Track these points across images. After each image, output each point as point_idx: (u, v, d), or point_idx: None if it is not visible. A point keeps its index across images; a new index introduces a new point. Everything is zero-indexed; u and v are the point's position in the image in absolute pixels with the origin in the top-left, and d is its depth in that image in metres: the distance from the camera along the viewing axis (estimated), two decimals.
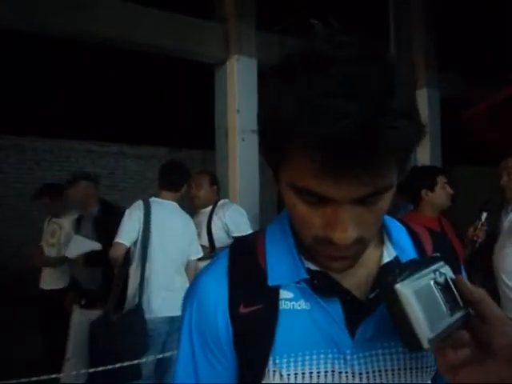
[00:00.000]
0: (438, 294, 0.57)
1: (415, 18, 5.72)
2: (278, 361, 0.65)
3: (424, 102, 5.57)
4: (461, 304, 0.58)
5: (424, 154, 5.52)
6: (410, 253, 0.72)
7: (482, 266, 2.88)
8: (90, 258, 3.31)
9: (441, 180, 2.61)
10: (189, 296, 0.73)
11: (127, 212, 3.00)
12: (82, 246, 3.36)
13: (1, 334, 4.46)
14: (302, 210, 0.59)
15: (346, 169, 0.52)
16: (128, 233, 2.93)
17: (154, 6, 4.12)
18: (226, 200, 3.70)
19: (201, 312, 0.69)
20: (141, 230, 2.93)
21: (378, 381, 0.65)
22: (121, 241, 2.91)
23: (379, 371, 0.66)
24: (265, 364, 0.65)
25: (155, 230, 2.95)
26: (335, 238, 0.57)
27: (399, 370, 0.66)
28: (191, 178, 3.38)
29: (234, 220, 3.41)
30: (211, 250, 3.40)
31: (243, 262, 0.71)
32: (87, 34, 3.88)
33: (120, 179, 8.98)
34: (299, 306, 0.67)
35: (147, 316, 2.79)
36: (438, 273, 0.59)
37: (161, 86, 8.12)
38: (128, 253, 2.95)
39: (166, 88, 8.17)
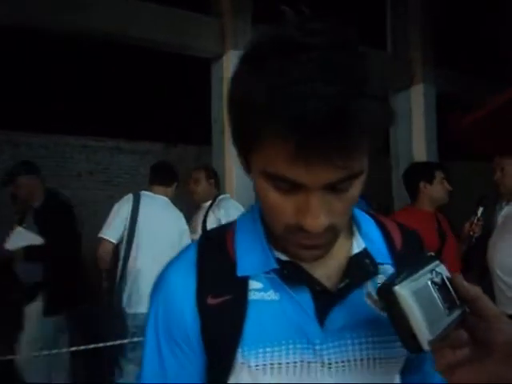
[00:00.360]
0: (436, 294, 0.57)
1: (412, 13, 5.71)
2: (246, 352, 0.65)
3: (420, 98, 5.58)
4: (458, 302, 0.58)
5: (420, 150, 5.53)
6: (378, 244, 0.73)
7: (478, 261, 2.89)
8: (29, 251, 3.23)
9: (439, 175, 2.63)
10: (155, 289, 0.72)
11: (116, 207, 2.99)
12: (22, 238, 3.29)
13: None
14: (274, 198, 0.59)
15: (320, 152, 0.52)
16: (114, 229, 2.91)
17: (151, 1, 4.10)
18: (227, 195, 3.68)
19: (167, 305, 0.69)
20: (127, 224, 2.91)
21: (347, 371, 0.65)
22: (106, 237, 2.89)
23: (348, 361, 0.66)
24: (233, 356, 0.65)
25: (144, 223, 2.93)
26: (306, 225, 0.57)
27: (368, 359, 0.66)
28: (189, 174, 3.38)
29: (228, 215, 3.38)
30: None
31: (212, 252, 0.71)
32: (84, 28, 3.85)
33: (115, 174, 8.94)
34: (268, 296, 0.67)
35: (137, 311, 2.78)
36: (434, 272, 0.59)
37: (156, 80, 8.09)
38: (116, 249, 2.94)
39: (161, 83, 8.14)
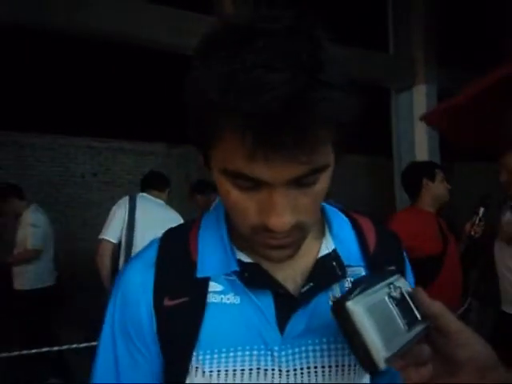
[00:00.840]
0: (394, 310, 0.54)
1: (414, 13, 5.71)
2: (201, 357, 0.62)
3: (422, 98, 5.58)
4: (419, 317, 0.55)
5: (422, 150, 5.53)
6: (350, 245, 0.69)
7: (478, 262, 2.90)
8: None
9: (439, 174, 2.63)
10: (115, 286, 0.69)
11: (113, 209, 3.00)
12: None
13: None
14: (236, 197, 0.55)
15: (278, 146, 0.48)
16: (113, 230, 2.93)
17: (153, 1, 4.11)
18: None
19: (124, 303, 0.66)
20: (125, 226, 2.92)
21: (305, 378, 0.62)
22: (106, 237, 2.91)
23: (308, 368, 0.63)
24: (188, 360, 0.62)
25: (142, 225, 2.93)
26: (271, 224, 0.53)
27: (330, 367, 0.63)
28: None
29: None
30: None
31: (173, 251, 0.67)
32: (86, 29, 3.87)
33: (118, 175, 8.97)
34: (228, 299, 0.64)
35: None
36: (392, 286, 0.56)
37: (159, 81, 8.10)
38: (116, 251, 2.94)
39: (164, 84, 8.15)
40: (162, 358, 0.64)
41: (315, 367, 0.63)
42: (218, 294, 0.64)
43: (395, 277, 0.58)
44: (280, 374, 0.62)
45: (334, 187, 0.67)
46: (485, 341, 0.56)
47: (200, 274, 0.64)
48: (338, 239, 0.69)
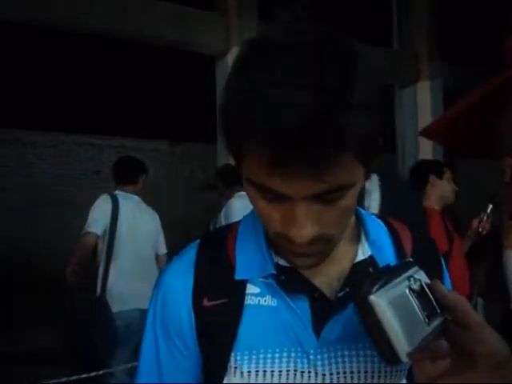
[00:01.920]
0: (414, 302, 0.53)
1: (418, 9, 5.67)
2: (238, 357, 0.63)
3: (426, 94, 5.55)
4: (438, 310, 0.55)
5: (426, 147, 5.50)
6: (387, 252, 0.70)
7: (485, 259, 2.87)
8: None
9: (447, 173, 2.60)
10: (156, 286, 0.71)
11: (95, 205, 2.98)
12: None
13: None
14: (262, 206, 0.57)
15: (295, 166, 0.49)
16: (97, 222, 2.90)
17: None
18: (242, 192, 3.61)
19: (165, 303, 0.68)
20: (108, 223, 2.89)
21: (342, 381, 0.63)
22: (90, 229, 2.88)
23: (344, 373, 0.63)
24: (226, 360, 0.63)
25: (123, 223, 2.91)
26: (292, 235, 0.55)
27: (366, 372, 0.64)
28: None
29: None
30: None
31: (212, 254, 0.69)
32: (87, 26, 3.86)
33: None
34: (265, 301, 0.65)
35: (119, 309, 2.77)
36: (412, 279, 0.55)
37: (161, 78, 8.09)
38: (97, 245, 2.92)
39: (166, 81, 8.14)
40: (202, 358, 0.66)
41: (351, 372, 0.63)
42: (256, 296, 0.65)
43: (414, 269, 0.58)
44: (316, 377, 0.63)
45: None
46: (501, 337, 0.54)
47: (238, 277, 0.66)
48: (375, 245, 0.69)
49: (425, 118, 5.57)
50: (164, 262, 3.03)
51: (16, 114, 7.56)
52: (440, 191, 2.57)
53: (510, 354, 0.54)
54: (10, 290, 5.65)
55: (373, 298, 0.50)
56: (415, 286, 0.55)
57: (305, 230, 0.54)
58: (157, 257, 3.11)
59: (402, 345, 0.50)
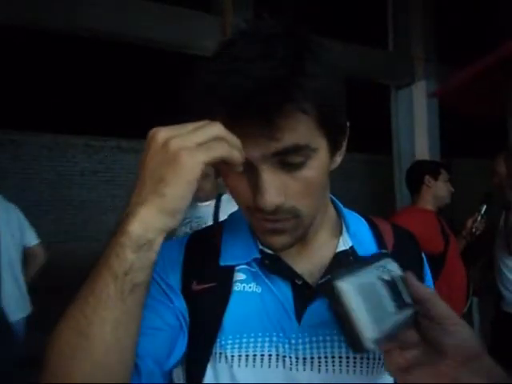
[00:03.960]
0: (383, 291, 0.54)
1: (414, 10, 5.69)
2: (223, 342, 0.65)
3: (422, 95, 5.56)
4: (408, 302, 0.55)
5: (422, 147, 5.52)
6: (368, 244, 0.72)
7: (478, 259, 2.89)
8: None
9: (444, 174, 2.61)
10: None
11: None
12: None
13: None
14: (232, 181, 0.60)
15: (250, 124, 0.54)
16: None
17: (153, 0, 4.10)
18: (230, 196, 3.53)
19: (162, 259, 0.67)
20: None
21: (323, 367, 0.65)
22: None
23: (325, 357, 0.65)
24: (211, 345, 0.65)
25: None
26: (260, 202, 0.57)
27: (347, 358, 0.65)
28: None
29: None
30: None
31: (201, 243, 0.72)
32: (84, 28, 3.85)
33: (117, 173, 8.96)
34: (250, 288, 0.67)
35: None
36: (383, 269, 0.56)
37: (157, 79, 8.09)
38: None
39: (162, 82, 8.14)
40: (187, 346, 0.66)
41: (332, 357, 0.65)
42: (241, 282, 0.68)
43: (387, 260, 0.59)
44: (297, 362, 0.65)
45: (332, 185, 0.69)
46: (471, 329, 0.55)
47: (223, 262, 0.69)
48: (356, 238, 0.72)
49: (421, 120, 5.59)
50: (40, 253, 2.92)
51: (11, 115, 7.54)
52: (435, 192, 2.57)
53: (481, 346, 0.54)
54: None
55: (340, 283, 0.51)
56: (386, 276, 0.55)
57: (269, 196, 0.57)
58: (28, 249, 2.92)
59: (367, 331, 0.50)
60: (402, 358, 0.54)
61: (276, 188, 0.57)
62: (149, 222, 0.52)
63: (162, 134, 0.54)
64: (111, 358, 0.53)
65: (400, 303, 0.54)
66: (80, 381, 0.52)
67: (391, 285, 0.55)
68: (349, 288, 0.51)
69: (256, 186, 0.58)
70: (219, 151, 0.53)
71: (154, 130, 0.55)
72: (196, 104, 0.60)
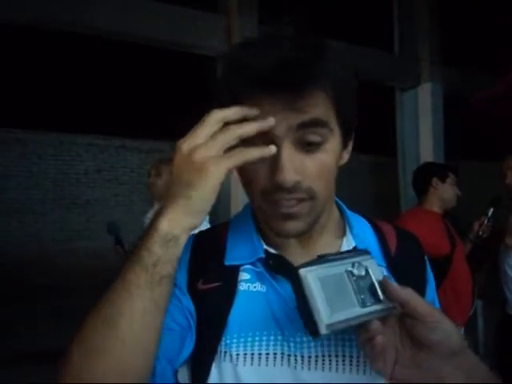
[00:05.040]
0: (350, 284, 0.57)
1: (419, 12, 5.68)
2: (228, 341, 0.66)
3: (427, 97, 5.55)
4: (381, 298, 0.58)
5: (427, 149, 5.51)
6: (371, 245, 0.73)
7: (484, 262, 2.87)
8: None
9: (452, 177, 2.60)
10: None
11: None
12: None
13: None
14: (250, 165, 0.62)
15: (278, 94, 0.59)
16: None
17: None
18: None
19: None
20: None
21: (326, 365, 0.66)
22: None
23: (329, 356, 0.66)
24: (217, 344, 0.66)
25: None
26: (279, 178, 0.60)
27: (351, 357, 0.66)
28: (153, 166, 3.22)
29: None
30: None
31: (207, 242, 0.74)
32: (89, 27, 3.86)
33: (121, 173, 8.98)
34: (254, 287, 0.69)
35: None
36: (357, 264, 0.59)
37: (162, 79, 8.10)
38: None
39: (167, 81, 8.15)
40: (195, 344, 0.67)
41: (336, 355, 0.66)
42: (246, 282, 0.69)
43: (365, 257, 0.61)
44: (302, 360, 0.65)
45: (336, 186, 0.71)
46: (454, 325, 0.57)
47: (228, 262, 0.70)
48: (359, 238, 0.74)
49: (425, 122, 5.57)
50: None
51: (16, 114, 7.56)
52: (442, 194, 2.56)
53: (464, 341, 0.56)
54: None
55: (302, 271, 0.55)
56: (357, 271, 0.58)
57: (288, 172, 0.60)
58: None
59: (322, 317, 0.54)
60: (371, 346, 0.56)
61: (294, 168, 0.61)
62: (175, 221, 0.57)
63: (185, 146, 0.59)
64: (138, 348, 0.56)
65: (369, 297, 0.58)
66: (108, 373, 0.54)
67: (363, 280, 0.58)
68: (310, 276, 0.55)
69: (275, 165, 0.61)
70: (240, 158, 0.58)
71: (178, 143, 0.60)
72: (229, 83, 0.64)
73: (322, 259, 0.58)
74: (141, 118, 8.33)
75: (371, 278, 0.59)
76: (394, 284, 0.59)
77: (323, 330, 0.54)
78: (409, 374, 0.56)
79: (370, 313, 0.57)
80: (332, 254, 0.61)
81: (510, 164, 2.54)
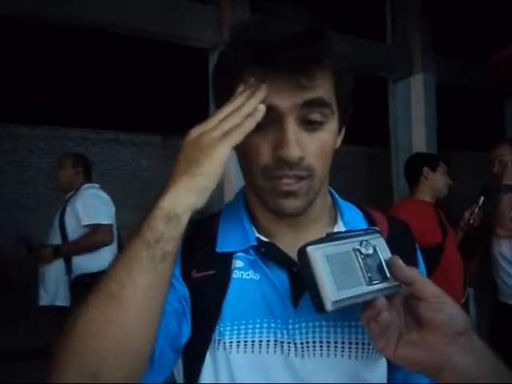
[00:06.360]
0: (357, 262, 0.58)
1: (412, 2, 5.66)
2: (222, 329, 0.67)
3: (420, 87, 5.55)
4: (388, 276, 0.59)
5: (420, 140, 5.52)
6: None
7: (475, 251, 2.90)
8: None
9: (442, 166, 2.62)
10: None
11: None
12: None
13: None
14: (253, 139, 0.63)
15: (283, 71, 0.60)
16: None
17: None
18: (94, 184, 3.33)
19: None
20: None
21: (318, 351, 0.66)
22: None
23: (321, 342, 0.67)
24: (211, 332, 0.67)
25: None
26: (284, 153, 0.61)
27: (343, 343, 0.67)
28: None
29: (86, 204, 2.98)
30: (55, 248, 2.95)
31: (199, 231, 0.73)
32: (79, 19, 3.82)
33: (113, 166, 8.94)
34: (248, 275, 0.70)
35: None
36: (365, 243, 0.59)
37: (154, 71, 8.05)
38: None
39: (159, 74, 8.10)
40: (191, 332, 0.67)
41: (328, 342, 0.67)
42: (239, 270, 0.70)
43: (373, 235, 0.62)
44: (295, 346, 0.66)
45: (329, 177, 0.72)
46: (459, 306, 0.58)
47: (219, 249, 0.71)
48: (350, 225, 0.74)
49: (418, 112, 5.58)
50: None
51: (8, 108, 7.50)
52: (433, 184, 2.58)
53: (469, 321, 0.57)
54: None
55: (309, 248, 0.56)
56: (365, 249, 0.59)
57: (293, 148, 0.62)
58: None
59: (328, 293, 0.55)
60: (376, 323, 0.57)
61: (298, 144, 0.62)
62: (179, 198, 0.57)
63: (194, 131, 0.61)
64: (141, 324, 0.55)
65: (376, 276, 0.58)
66: (110, 348, 0.53)
67: (370, 258, 0.59)
68: (316, 253, 0.56)
69: (280, 140, 0.62)
70: (240, 132, 0.59)
71: (189, 131, 0.62)
72: (235, 58, 0.65)
73: (330, 237, 0.59)
74: (133, 112, 8.29)
75: (379, 257, 0.60)
76: (400, 263, 0.59)
77: (329, 307, 0.55)
78: (412, 353, 0.57)
79: (377, 290, 0.58)
80: (341, 233, 0.61)
81: (497, 153, 2.56)
